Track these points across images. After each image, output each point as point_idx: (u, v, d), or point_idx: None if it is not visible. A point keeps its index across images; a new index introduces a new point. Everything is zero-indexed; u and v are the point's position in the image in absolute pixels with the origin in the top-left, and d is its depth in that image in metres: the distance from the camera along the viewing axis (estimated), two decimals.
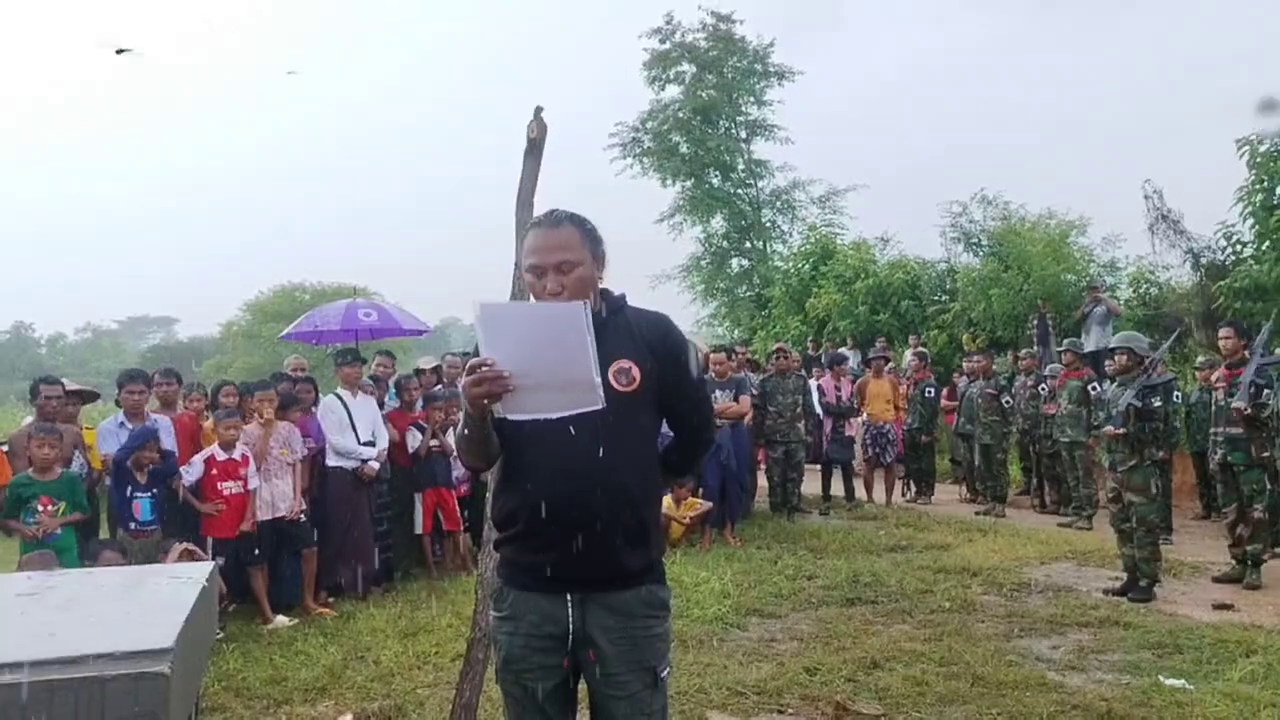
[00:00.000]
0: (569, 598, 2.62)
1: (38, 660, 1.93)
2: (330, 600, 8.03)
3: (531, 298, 2.72)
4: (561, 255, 2.63)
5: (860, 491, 13.20)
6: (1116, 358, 8.02)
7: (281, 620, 7.39)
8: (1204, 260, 14.87)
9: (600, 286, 2.76)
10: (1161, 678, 5.57)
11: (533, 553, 2.64)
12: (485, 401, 2.46)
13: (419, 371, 9.84)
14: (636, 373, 2.65)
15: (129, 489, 6.92)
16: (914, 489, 13.73)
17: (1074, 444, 11.24)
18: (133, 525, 6.86)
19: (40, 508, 6.48)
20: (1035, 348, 14.70)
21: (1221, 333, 8.66)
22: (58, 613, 2.40)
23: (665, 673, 2.69)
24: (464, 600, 7.29)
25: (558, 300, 2.61)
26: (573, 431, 2.56)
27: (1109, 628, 6.68)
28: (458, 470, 9.16)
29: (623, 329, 2.73)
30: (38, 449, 6.58)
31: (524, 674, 2.67)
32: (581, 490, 2.56)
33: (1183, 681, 5.50)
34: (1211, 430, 8.70)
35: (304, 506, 7.87)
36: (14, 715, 1.84)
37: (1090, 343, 13.94)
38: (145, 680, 1.91)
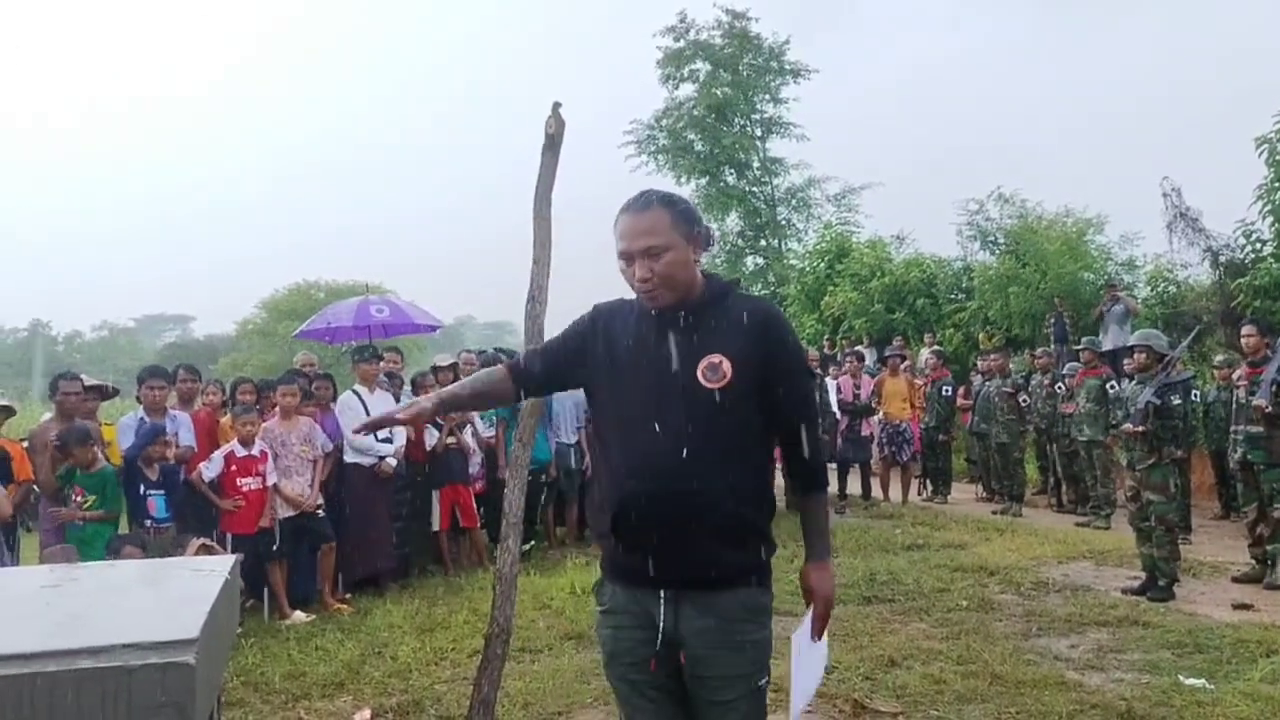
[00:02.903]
0: (662, 595, 2.55)
1: (63, 650, 1.93)
2: (348, 596, 8.06)
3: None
4: (649, 240, 2.52)
5: (876, 490, 13.17)
6: (1135, 356, 7.98)
7: (299, 616, 7.42)
8: (1223, 258, 14.76)
9: (701, 269, 2.64)
10: (1181, 677, 5.53)
11: (624, 549, 2.60)
12: None
13: (436, 369, 9.86)
14: (727, 368, 2.52)
15: (141, 486, 6.96)
16: (930, 488, 13.69)
17: (1092, 443, 11.19)
18: (148, 522, 6.90)
19: (73, 497, 6.57)
20: (1052, 346, 14.65)
21: (1244, 330, 8.62)
22: (82, 604, 2.41)
23: (764, 682, 2.59)
24: (481, 597, 7.31)
25: (646, 287, 2.55)
26: (657, 429, 2.51)
27: (1128, 627, 6.65)
28: (474, 467, 9.19)
29: (721, 318, 2.60)
30: (82, 453, 6.65)
31: (627, 669, 2.64)
32: (661, 490, 2.49)
33: (1203, 681, 5.46)
34: (1231, 428, 8.64)
35: (321, 501, 7.89)
36: (40, 705, 1.84)
37: (1108, 341, 13.88)
38: (171, 670, 1.90)
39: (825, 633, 2.70)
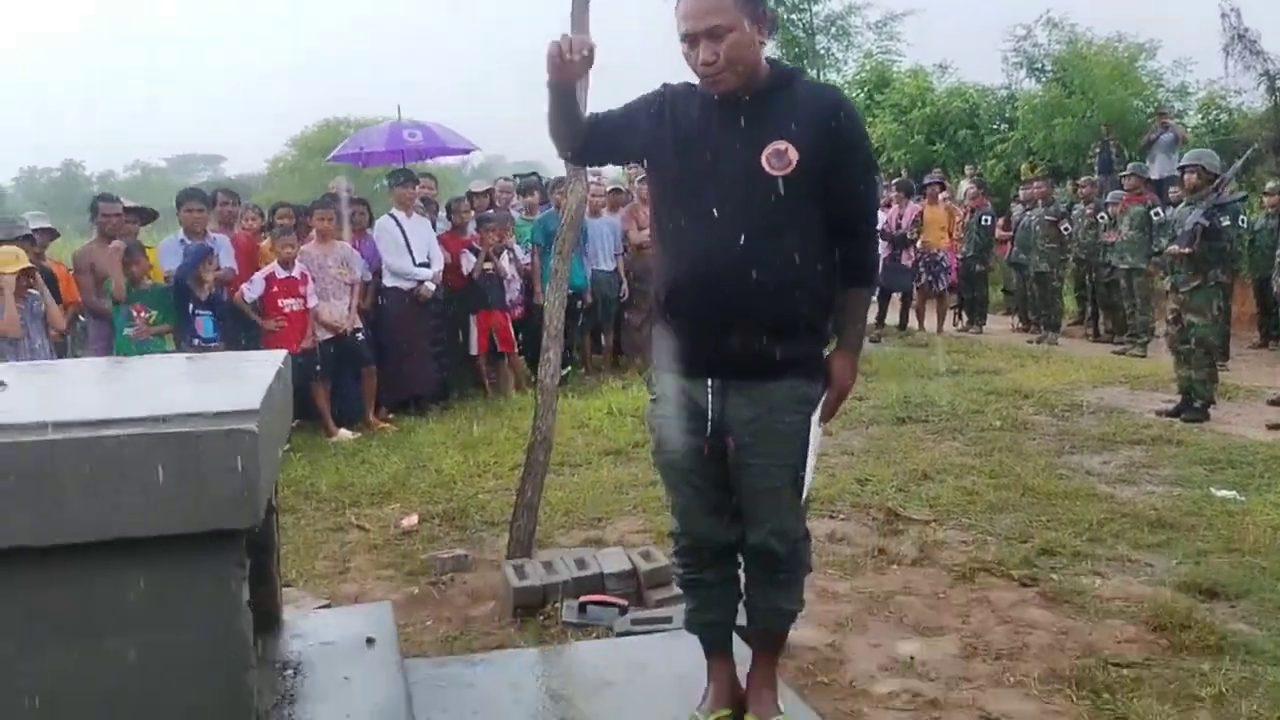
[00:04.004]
0: (709, 383, 2.59)
1: (129, 418, 2.00)
2: (390, 416, 8.24)
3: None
4: (712, 20, 2.43)
5: (912, 321, 13.14)
6: (1186, 177, 7.79)
7: (345, 434, 7.61)
8: None
9: (765, 55, 2.57)
10: (1212, 489, 5.60)
11: (675, 337, 2.62)
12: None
13: (471, 195, 9.80)
14: (793, 155, 2.48)
15: (190, 306, 7.07)
16: (966, 318, 13.64)
17: (1133, 271, 11.05)
18: (196, 342, 7.03)
19: (135, 314, 6.69)
20: (1096, 176, 14.31)
21: None
22: (145, 383, 2.48)
23: (807, 470, 2.62)
24: (520, 417, 7.46)
25: (710, 70, 2.48)
26: (716, 215, 2.50)
27: (1161, 445, 6.70)
28: (512, 293, 9.24)
29: (787, 106, 2.54)
30: (131, 268, 6.74)
31: (674, 457, 2.70)
32: (717, 278, 2.49)
33: (1234, 493, 5.53)
34: (1277, 255, 8.50)
35: (360, 325, 7.99)
36: (108, 469, 1.91)
37: (1155, 170, 13.51)
38: (235, 436, 1.96)
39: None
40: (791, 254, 2.52)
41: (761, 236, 2.49)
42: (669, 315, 2.64)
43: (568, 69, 2.47)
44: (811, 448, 2.60)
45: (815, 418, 2.61)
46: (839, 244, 2.62)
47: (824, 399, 2.64)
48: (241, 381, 2.39)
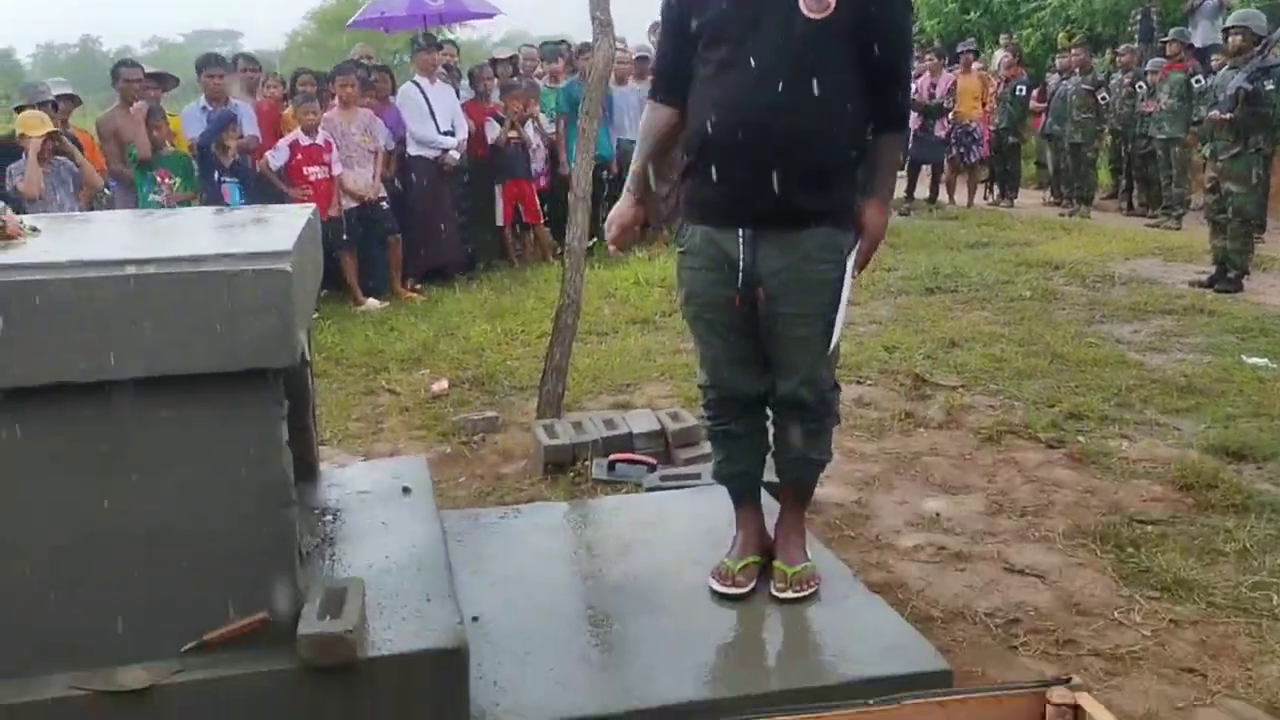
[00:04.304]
0: (740, 233, 2.57)
1: (164, 258, 2.00)
2: (418, 286, 8.25)
3: None
4: None
5: (942, 194, 12.94)
6: (1231, 39, 7.55)
7: (373, 303, 7.64)
8: None
9: None
10: (1244, 357, 5.57)
11: (707, 186, 2.61)
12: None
13: (494, 61, 9.62)
14: None
15: (216, 174, 7.03)
16: (997, 192, 13.39)
17: (1171, 140, 10.78)
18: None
19: (160, 180, 6.67)
20: (1136, 44, 13.84)
21: None
22: (181, 230, 2.48)
23: (838, 319, 2.61)
24: (547, 287, 7.45)
25: None
26: (752, 62, 2.46)
27: (1193, 315, 6.64)
28: (537, 163, 9.13)
29: None
30: (153, 131, 6.70)
31: (703, 308, 2.70)
32: (753, 125, 2.47)
33: (1265, 360, 5.50)
34: None
35: (384, 193, 7.94)
36: (146, 306, 1.92)
37: (1198, 37, 13.00)
38: (268, 276, 1.97)
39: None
40: (827, 99, 2.47)
41: (798, 81, 2.45)
42: (702, 163, 2.61)
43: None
44: (844, 297, 2.59)
45: (849, 265, 2.59)
46: (875, 87, 2.57)
47: (857, 247, 2.61)
48: (273, 228, 2.39)
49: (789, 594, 2.69)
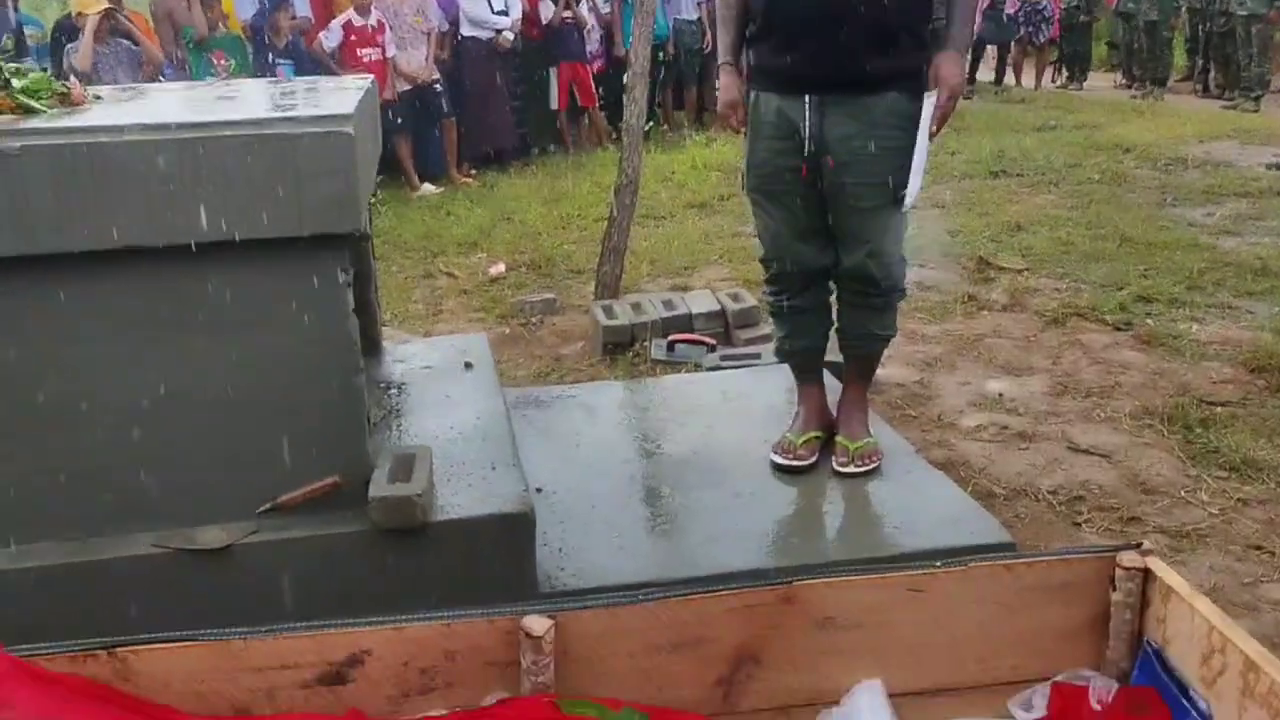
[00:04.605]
0: (807, 100, 2.50)
1: (229, 121, 1.99)
2: (473, 171, 8.21)
3: None
4: None
5: (1008, 76, 12.53)
6: None
7: (428, 188, 7.63)
8: None
9: None
10: None
11: (773, 53, 2.54)
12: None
13: None
14: None
15: (270, 56, 6.99)
16: (1066, 74, 12.94)
17: (1252, 17, 10.29)
18: None
19: (215, 61, 6.67)
20: None
21: None
22: (242, 99, 2.46)
23: (911, 182, 2.54)
24: (602, 172, 7.38)
25: None
26: None
27: (1269, 198, 6.42)
28: (592, 44, 8.96)
29: None
30: (207, 13, 6.67)
31: (767, 179, 2.63)
32: None
33: None
34: None
35: (437, 75, 7.84)
36: (212, 169, 1.91)
37: None
38: (332, 139, 1.95)
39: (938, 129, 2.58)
40: None
41: None
42: (767, 29, 2.53)
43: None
44: (918, 162, 2.51)
45: (925, 120, 2.50)
46: None
47: (935, 102, 2.52)
48: (333, 95, 2.36)
49: (851, 468, 2.68)
